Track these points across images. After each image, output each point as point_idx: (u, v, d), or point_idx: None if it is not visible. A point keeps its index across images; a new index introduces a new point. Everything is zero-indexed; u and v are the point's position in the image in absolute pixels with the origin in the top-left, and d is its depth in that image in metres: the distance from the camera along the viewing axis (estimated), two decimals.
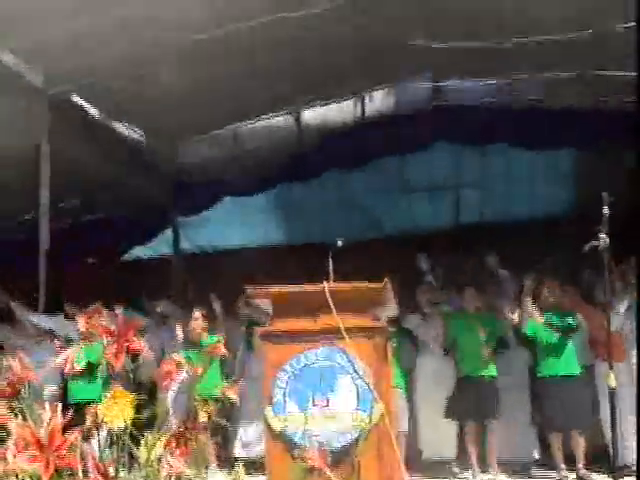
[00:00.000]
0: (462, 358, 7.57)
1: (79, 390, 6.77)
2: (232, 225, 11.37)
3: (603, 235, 4.42)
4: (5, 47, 6.99)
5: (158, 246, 11.35)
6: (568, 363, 7.21)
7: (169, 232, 10.83)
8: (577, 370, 7.21)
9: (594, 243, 4.43)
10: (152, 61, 7.31)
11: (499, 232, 9.64)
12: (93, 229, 10.57)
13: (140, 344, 2.30)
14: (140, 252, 11.44)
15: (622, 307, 7.18)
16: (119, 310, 2.25)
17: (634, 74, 7.64)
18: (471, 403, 7.33)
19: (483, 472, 7.35)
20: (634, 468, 7.20)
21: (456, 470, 7.60)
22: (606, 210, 4.45)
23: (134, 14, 6.41)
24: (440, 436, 7.80)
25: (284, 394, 3.88)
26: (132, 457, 2.37)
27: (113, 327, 2.32)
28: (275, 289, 4.03)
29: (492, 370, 7.45)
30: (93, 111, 8.41)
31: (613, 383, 4.60)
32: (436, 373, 7.89)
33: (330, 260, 4.17)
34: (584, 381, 7.29)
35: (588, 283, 7.73)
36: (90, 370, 7.02)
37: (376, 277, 4.03)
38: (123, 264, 11.28)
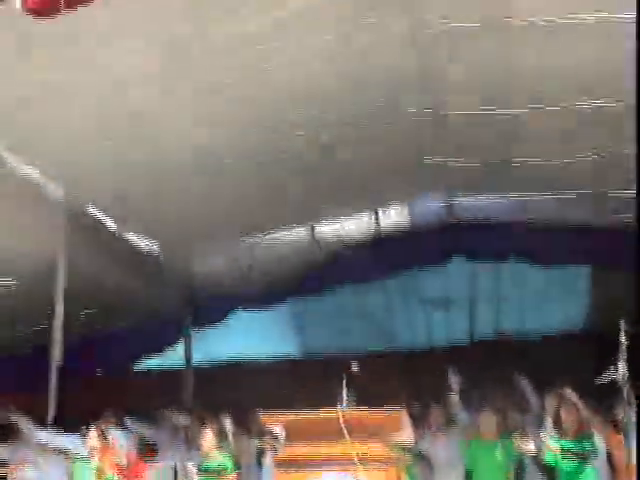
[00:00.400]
0: None
1: None
2: (246, 337, 11.32)
3: (621, 364, 4.33)
4: (28, 160, 7.12)
5: (170, 357, 11.26)
6: None
7: (181, 343, 10.73)
8: None
9: (612, 374, 4.34)
10: (169, 173, 7.41)
11: (515, 348, 9.55)
12: (105, 340, 10.51)
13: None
14: (152, 363, 11.35)
15: None
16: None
17: None
18: None
19: None
20: None
21: None
22: (623, 338, 4.37)
23: (149, 131, 6.55)
24: None
25: None
26: None
27: (124, 462, 2.27)
28: (288, 415, 3.96)
29: None
30: (109, 222, 8.47)
31: None
32: None
33: (344, 384, 4.11)
34: None
35: (607, 402, 7.59)
36: None
37: (391, 391, 3.97)
38: (135, 375, 11.16)
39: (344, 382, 4.18)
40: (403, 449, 4.30)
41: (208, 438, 7.48)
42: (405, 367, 9.45)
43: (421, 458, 7.53)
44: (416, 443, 7.32)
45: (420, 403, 8.22)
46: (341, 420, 3.72)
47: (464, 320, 10.75)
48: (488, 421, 7.50)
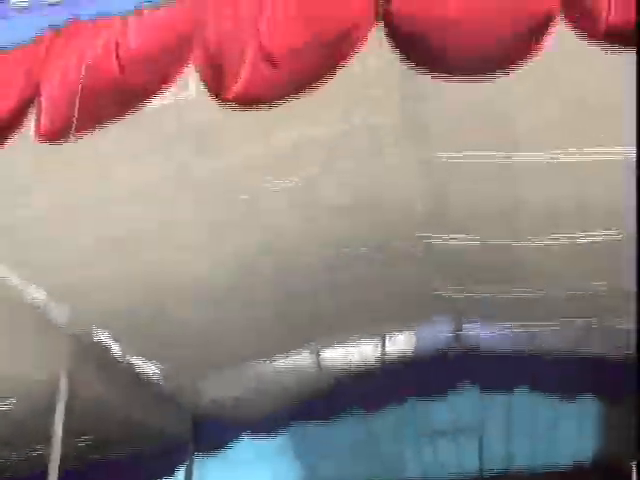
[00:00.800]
0: None
1: None
2: (249, 465, 11.06)
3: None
4: (36, 285, 7.16)
5: None
6: None
7: (183, 472, 10.48)
8: None
9: None
10: (172, 299, 7.42)
11: None
12: (104, 468, 10.26)
13: None
14: None
15: None
16: None
17: None
18: None
19: None
20: None
21: None
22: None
23: (158, 258, 6.62)
24: None
25: None
26: None
27: None
28: None
29: None
30: (113, 347, 8.43)
31: None
32: None
33: None
34: None
35: None
36: None
37: None
38: None
39: None
40: None
41: None
42: None
43: None
44: None
45: None
46: None
47: (473, 452, 10.52)
48: None
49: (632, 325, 7.78)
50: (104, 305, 7.35)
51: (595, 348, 8.46)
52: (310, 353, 9.66)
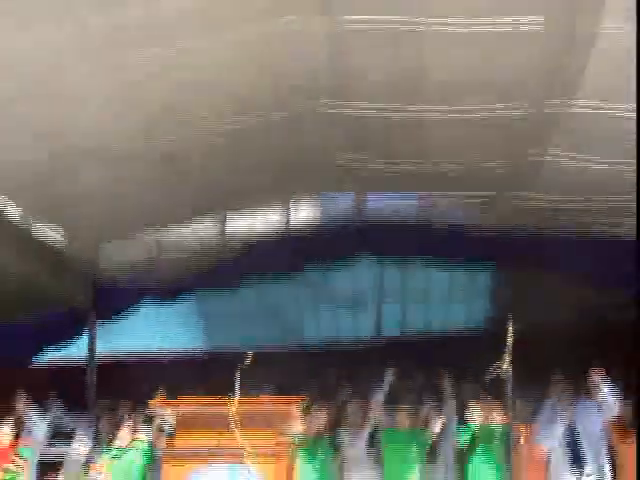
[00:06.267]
0: (390, 473, 7.50)
1: None
2: (149, 330, 11.20)
3: (506, 364, 4.54)
4: None
5: (72, 350, 11.03)
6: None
7: (84, 336, 10.50)
8: None
9: (496, 371, 4.54)
10: (74, 160, 7.24)
11: (419, 346, 9.73)
12: (6, 332, 10.19)
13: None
14: (53, 356, 11.09)
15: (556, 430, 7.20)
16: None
17: (551, 199, 8.08)
18: None
19: None
20: None
21: None
22: (510, 335, 4.58)
23: (59, 115, 6.40)
24: None
25: None
26: None
27: None
28: (178, 402, 3.93)
29: None
30: (11, 210, 8.22)
31: None
32: None
33: (237, 374, 4.09)
34: None
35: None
36: None
37: (296, 389, 3.98)
38: (35, 368, 10.88)
39: (238, 373, 4.15)
40: (294, 440, 4.31)
41: (122, 431, 7.52)
42: (309, 363, 9.47)
43: (333, 448, 7.67)
44: (324, 436, 7.52)
45: (324, 397, 8.36)
46: (232, 409, 3.70)
47: (370, 318, 10.89)
48: (404, 416, 7.72)
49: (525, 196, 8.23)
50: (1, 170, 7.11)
51: (490, 220, 8.72)
52: (214, 221, 9.68)
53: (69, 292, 9.87)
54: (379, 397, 8.55)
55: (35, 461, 7.66)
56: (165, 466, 3.85)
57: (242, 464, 3.65)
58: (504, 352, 4.57)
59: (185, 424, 3.92)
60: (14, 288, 9.33)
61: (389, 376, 8.85)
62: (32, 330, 10.26)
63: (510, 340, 4.57)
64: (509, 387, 4.62)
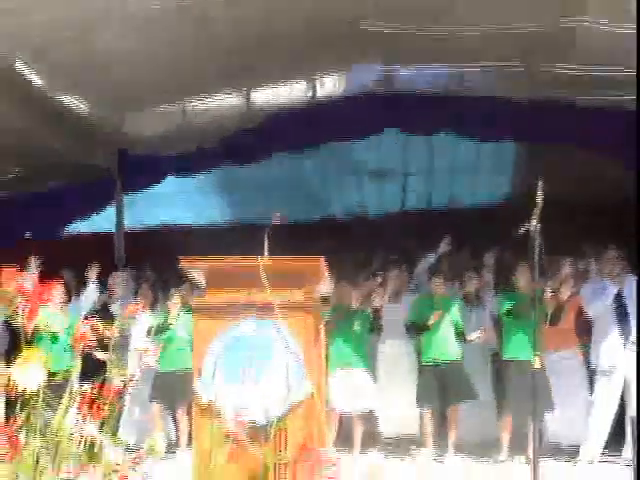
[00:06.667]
0: (427, 342, 7.70)
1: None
2: (177, 203, 11.29)
3: (534, 221, 4.55)
4: None
5: (100, 221, 11.18)
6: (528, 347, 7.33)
7: (111, 208, 10.62)
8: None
9: (525, 228, 4.55)
10: (102, 29, 7.12)
11: (445, 218, 9.77)
12: (33, 202, 10.33)
13: (56, 296, 2.24)
14: (81, 227, 11.26)
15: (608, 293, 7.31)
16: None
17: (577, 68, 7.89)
18: (434, 390, 7.50)
19: (443, 453, 7.54)
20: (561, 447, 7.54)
21: (417, 449, 7.76)
22: (540, 197, 4.56)
23: None
24: (401, 416, 7.99)
25: (214, 366, 3.84)
26: (45, 423, 2.31)
27: (29, 286, 2.26)
28: (208, 261, 3.99)
29: (457, 354, 7.63)
30: (37, 81, 8.16)
31: (538, 364, 4.82)
32: (397, 355, 8.09)
33: (266, 236, 4.13)
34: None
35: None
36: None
37: (322, 253, 4.00)
38: (63, 239, 11.06)
39: (266, 236, 4.18)
40: (322, 298, 4.39)
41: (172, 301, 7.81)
42: (335, 234, 9.57)
43: (368, 316, 7.89)
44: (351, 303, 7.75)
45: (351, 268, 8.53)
46: (261, 267, 3.75)
47: (395, 191, 10.89)
48: (439, 284, 7.87)
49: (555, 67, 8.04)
50: (24, 33, 7.00)
51: (516, 91, 8.57)
52: (239, 93, 9.59)
53: (95, 164, 9.93)
54: (408, 265, 8.75)
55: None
56: (196, 321, 3.93)
57: (271, 320, 3.71)
58: (533, 215, 4.56)
59: (215, 282, 3.97)
60: (41, 160, 9.42)
61: (420, 246, 9.03)
62: (61, 202, 10.38)
63: (540, 201, 4.55)
64: (540, 249, 4.61)
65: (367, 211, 10.88)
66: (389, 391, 8.09)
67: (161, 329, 7.71)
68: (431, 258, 8.68)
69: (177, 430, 7.87)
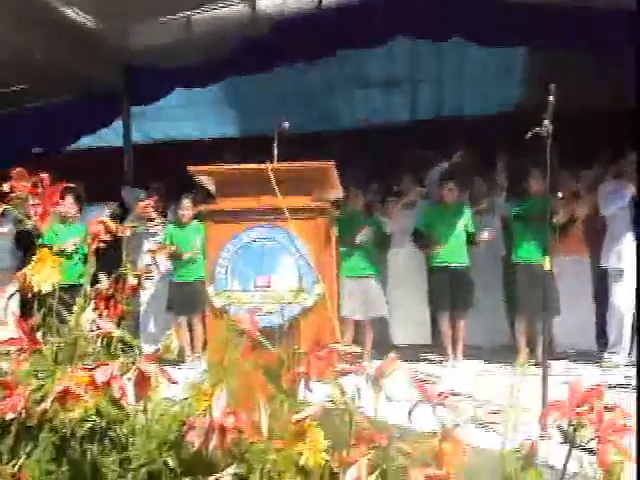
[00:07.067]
0: (436, 247, 7.80)
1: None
2: (183, 117, 11.22)
3: (546, 122, 4.53)
4: None
5: (108, 136, 11.13)
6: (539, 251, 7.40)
7: (119, 122, 10.55)
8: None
9: (536, 130, 4.53)
10: None
11: (454, 127, 9.69)
12: (40, 117, 10.27)
13: (68, 205, 2.26)
14: (89, 141, 11.22)
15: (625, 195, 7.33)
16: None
17: None
18: (446, 292, 7.62)
19: (454, 358, 7.69)
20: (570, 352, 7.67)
21: (428, 355, 7.93)
22: (552, 99, 4.53)
23: None
24: (412, 322, 8.13)
25: (226, 272, 3.88)
26: (62, 321, 2.35)
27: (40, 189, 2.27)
28: (217, 167, 3.99)
29: (465, 259, 7.74)
30: None
31: (548, 266, 4.87)
32: (407, 262, 8.19)
33: (275, 142, 4.12)
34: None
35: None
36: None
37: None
38: (71, 153, 11.03)
39: (275, 143, 4.17)
40: (332, 203, 4.40)
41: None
42: (344, 145, 9.51)
43: (379, 222, 7.98)
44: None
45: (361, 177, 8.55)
46: (271, 173, 3.74)
47: (405, 100, 10.78)
48: (451, 190, 7.90)
49: None
50: None
51: None
52: (245, 1, 9.39)
53: (101, 77, 9.82)
54: (419, 174, 8.77)
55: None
56: (208, 228, 3.96)
57: (282, 225, 3.73)
58: (546, 115, 4.53)
59: (225, 189, 3.98)
60: (46, 75, 9.31)
61: (431, 154, 9.02)
62: (68, 117, 10.31)
63: (552, 100, 4.51)
64: (551, 153, 4.60)
65: (377, 120, 10.76)
66: (399, 298, 8.21)
67: (172, 235, 7.86)
68: (442, 168, 8.68)
69: (192, 338, 8.05)
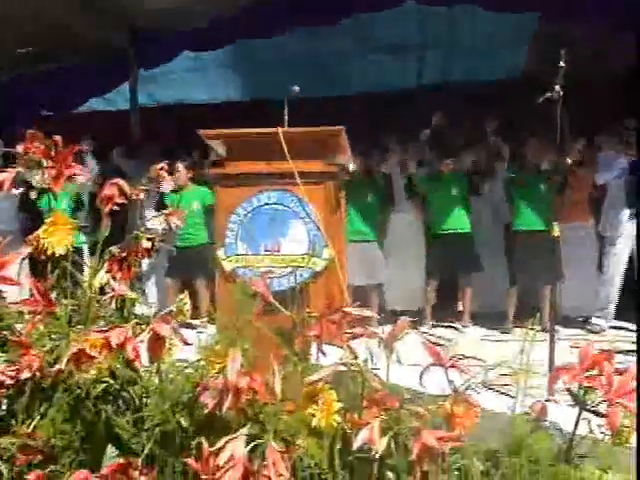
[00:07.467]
0: (435, 214, 7.84)
1: None
2: (192, 80, 11.15)
3: (557, 87, 4.52)
4: None
5: (115, 99, 11.09)
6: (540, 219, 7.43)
7: (126, 85, 10.50)
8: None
9: (547, 95, 4.52)
10: None
11: (463, 92, 9.64)
12: (47, 80, 10.23)
13: (80, 169, 2.26)
14: (96, 104, 11.19)
15: (618, 164, 7.35)
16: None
17: None
18: (446, 258, 7.68)
19: (456, 322, 7.76)
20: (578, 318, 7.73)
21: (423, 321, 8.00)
22: (562, 64, 4.52)
23: None
24: (410, 288, 8.17)
25: (235, 237, 3.89)
26: (75, 283, 2.37)
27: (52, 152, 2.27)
28: (229, 131, 3.98)
29: (466, 225, 7.77)
30: None
31: (557, 232, 4.90)
32: (407, 228, 8.21)
33: (286, 106, 4.10)
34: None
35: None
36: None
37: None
38: (78, 116, 11.00)
39: (285, 107, 4.15)
40: (342, 168, 4.40)
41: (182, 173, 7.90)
42: (356, 110, 9.49)
43: (380, 188, 7.99)
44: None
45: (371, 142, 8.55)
46: (282, 137, 3.74)
47: (413, 66, 10.71)
48: (449, 162, 7.91)
49: None
50: None
51: None
52: None
53: (108, 40, 9.76)
54: (424, 140, 8.75)
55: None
56: (218, 191, 3.96)
57: (291, 189, 3.74)
58: (556, 80, 4.52)
59: (236, 152, 3.98)
60: (56, 37, 9.25)
61: (435, 120, 9.01)
62: (76, 80, 10.28)
63: (562, 71, 4.50)
64: (560, 118, 4.60)
65: (385, 86, 10.70)
66: (398, 264, 8.25)
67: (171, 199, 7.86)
68: (425, 134, 8.74)
69: (195, 301, 8.08)
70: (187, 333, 2.07)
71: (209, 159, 8.34)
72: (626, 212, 7.39)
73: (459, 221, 7.82)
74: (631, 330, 7.12)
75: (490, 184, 8.24)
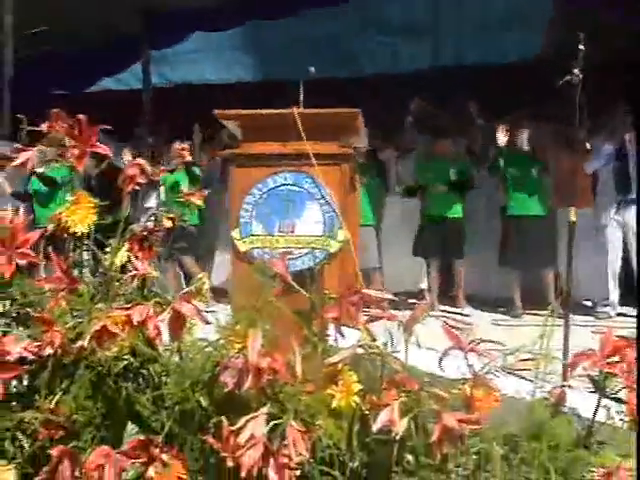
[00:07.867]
0: (428, 199, 7.85)
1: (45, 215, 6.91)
2: (204, 61, 11.11)
3: (576, 71, 4.50)
4: None
5: (127, 79, 11.07)
6: (537, 203, 7.45)
7: (139, 65, 10.48)
8: (544, 212, 7.52)
9: (567, 78, 4.50)
10: None
11: (476, 75, 9.57)
12: (60, 60, 10.21)
13: (105, 148, 2.27)
14: (109, 84, 11.17)
15: (604, 151, 7.36)
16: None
17: None
18: (436, 242, 7.69)
19: (450, 306, 7.78)
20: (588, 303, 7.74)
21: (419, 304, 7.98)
22: (581, 47, 4.50)
23: None
24: (406, 272, 8.19)
25: (250, 217, 3.90)
26: (97, 262, 2.39)
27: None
28: (244, 111, 3.98)
29: (457, 211, 7.77)
30: None
31: (574, 218, 4.89)
32: (404, 212, 8.21)
33: (301, 87, 4.09)
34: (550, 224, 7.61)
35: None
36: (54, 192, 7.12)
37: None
38: (90, 95, 10.98)
39: (301, 87, 4.14)
40: (360, 153, 4.41)
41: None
42: (365, 92, 9.42)
43: (378, 172, 7.98)
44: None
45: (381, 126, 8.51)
46: (297, 119, 3.73)
47: (426, 47, 10.63)
48: (444, 145, 7.91)
49: None
50: None
51: None
52: None
53: (121, 21, 9.72)
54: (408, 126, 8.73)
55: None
56: (232, 172, 3.97)
57: (307, 171, 3.74)
58: (576, 63, 4.49)
59: (250, 133, 3.98)
60: (68, 17, 9.23)
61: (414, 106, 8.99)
62: (88, 59, 10.26)
63: (581, 54, 4.48)
64: (578, 101, 4.58)
65: (396, 68, 10.64)
66: (393, 247, 8.28)
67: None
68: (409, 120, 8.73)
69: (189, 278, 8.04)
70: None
71: (216, 139, 8.36)
72: (615, 200, 7.44)
73: (453, 206, 7.85)
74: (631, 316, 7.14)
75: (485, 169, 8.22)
